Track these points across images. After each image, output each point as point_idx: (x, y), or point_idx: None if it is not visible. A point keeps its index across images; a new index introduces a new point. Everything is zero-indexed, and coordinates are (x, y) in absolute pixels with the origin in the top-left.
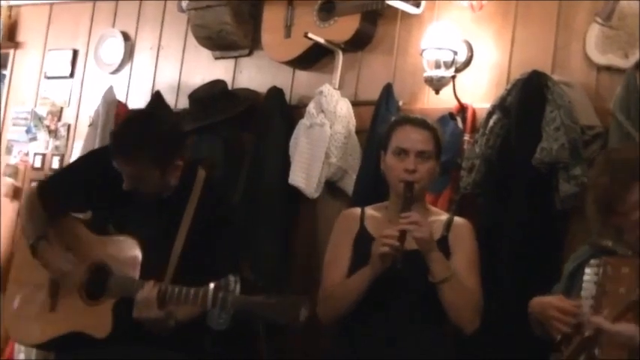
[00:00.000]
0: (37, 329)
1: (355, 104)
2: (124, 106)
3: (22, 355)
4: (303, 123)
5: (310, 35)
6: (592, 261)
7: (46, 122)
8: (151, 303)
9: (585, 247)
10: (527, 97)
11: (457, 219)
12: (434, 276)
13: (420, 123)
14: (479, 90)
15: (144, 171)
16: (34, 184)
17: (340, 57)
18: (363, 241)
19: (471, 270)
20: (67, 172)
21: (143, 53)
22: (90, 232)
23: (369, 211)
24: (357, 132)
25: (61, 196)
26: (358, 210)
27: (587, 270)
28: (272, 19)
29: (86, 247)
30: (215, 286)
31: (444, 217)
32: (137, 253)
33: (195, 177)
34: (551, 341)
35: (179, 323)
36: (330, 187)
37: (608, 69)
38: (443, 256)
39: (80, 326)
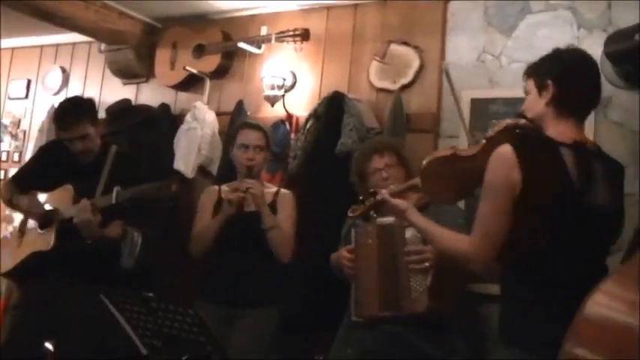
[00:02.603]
0: (9, 262)
1: (218, 114)
2: None
3: None
4: (183, 127)
5: (187, 68)
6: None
7: (9, 129)
8: (86, 207)
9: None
10: (332, 108)
11: (282, 190)
12: (264, 224)
13: (255, 126)
14: (300, 104)
15: (86, 128)
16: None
17: (208, 82)
18: (219, 204)
19: (289, 223)
20: (28, 164)
21: (75, 81)
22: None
23: (224, 187)
24: (220, 133)
25: (26, 179)
26: (217, 186)
27: (352, 231)
28: (162, 56)
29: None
30: (118, 188)
31: (274, 189)
32: (72, 190)
33: (109, 150)
34: (346, 280)
35: (107, 237)
36: (202, 170)
37: (383, 90)
38: (270, 212)
39: (35, 248)
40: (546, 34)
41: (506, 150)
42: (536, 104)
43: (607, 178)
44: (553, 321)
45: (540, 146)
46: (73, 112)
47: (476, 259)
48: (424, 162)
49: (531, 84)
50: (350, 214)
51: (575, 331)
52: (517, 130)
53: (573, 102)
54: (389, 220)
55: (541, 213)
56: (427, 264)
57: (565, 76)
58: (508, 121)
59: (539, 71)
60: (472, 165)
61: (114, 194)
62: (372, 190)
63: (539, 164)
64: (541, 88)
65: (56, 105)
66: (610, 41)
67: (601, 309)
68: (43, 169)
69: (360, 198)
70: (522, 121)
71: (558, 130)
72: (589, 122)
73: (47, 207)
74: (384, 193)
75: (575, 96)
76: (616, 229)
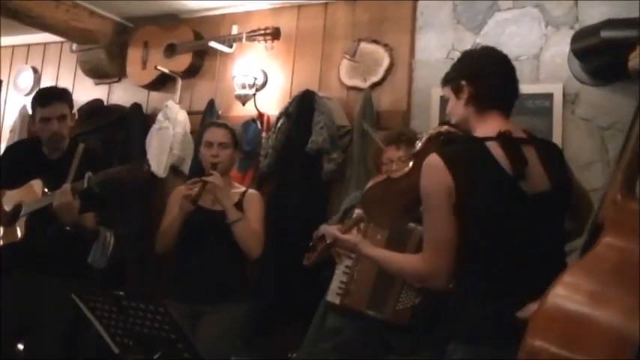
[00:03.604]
0: None
1: (190, 113)
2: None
3: None
4: (155, 127)
5: (159, 67)
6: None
7: None
8: (67, 191)
9: (357, 193)
10: (302, 107)
11: (250, 190)
12: (229, 218)
13: (221, 124)
14: (271, 103)
15: (65, 109)
16: None
17: (179, 82)
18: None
19: (256, 221)
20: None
21: (47, 81)
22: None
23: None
24: (191, 132)
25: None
26: (185, 186)
27: (358, 211)
28: (133, 56)
29: None
30: (89, 173)
31: (242, 189)
32: (41, 184)
33: (77, 147)
34: (330, 258)
35: (82, 226)
36: (174, 169)
37: (354, 88)
38: (233, 206)
39: (5, 240)
40: (514, 31)
41: (433, 158)
42: (457, 107)
43: (541, 160)
44: (503, 313)
45: (466, 146)
46: (55, 92)
47: (433, 275)
48: (362, 193)
49: (447, 90)
50: (305, 264)
51: (537, 323)
52: (441, 138)
53: (490, 96)
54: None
55: (481, 210)
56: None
57: (476, 72)
58: (431, 132)
59: (453, 76)
60: (407, 184)
61: (85, 179)
62: (320, 234)
63: (468, 164)
64: (457, 90)
65: (27, 106)
66: (577, 38)
67: (561, 301)
68: (10, 169)
69: (310, 244)
70: (444, 127)
71: (484, 127)
72: (557, 118)
73: (8, 204)
74: (334, 233)
75: (490, 89)
76: (565, 207)
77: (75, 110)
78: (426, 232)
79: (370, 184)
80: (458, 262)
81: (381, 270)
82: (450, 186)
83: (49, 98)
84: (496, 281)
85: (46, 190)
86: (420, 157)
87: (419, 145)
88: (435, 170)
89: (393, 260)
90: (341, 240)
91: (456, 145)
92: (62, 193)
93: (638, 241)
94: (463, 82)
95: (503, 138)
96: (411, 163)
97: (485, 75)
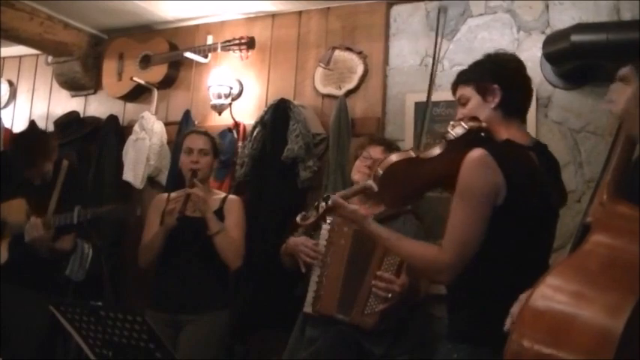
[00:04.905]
0: None
1: (166, 124)
2: (10, 131)
3: None
4: (131, 138)
5: (135, 78)
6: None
7: None
8: (38, 225)
9: None
10: (278, 115)
11: (230, 196)
12: (210, 230)
13: (201, 132)
14: (247, 112)
15: (47, 166)
16: None
17: (155, 93)
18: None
19: (236, 228)
20: None
21: (22, 94)
22: None
23: (173, 194)
24: (168, 143)
25: None
26: (165, 195)
27: (323, 224)
28: (109, 68)
29: None
30: (79, 208)
31: (222, 195)
32: (25, 204)
33: (61, 165)
34: (297, 269)
35: (58, 251)
36: (151, 180)
37: (328, 96)
38: (216, 217)
39: None
40: (486, 36)
41: (483, 155)
42: (483, 109)
43: (557, 177)
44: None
45: (512, 150)
46: (38, 151)
47: (449, 269)
48: (384, 165)
49: (470, 90)
50: (300, 222)
51: (522, 323)
52: (482, 134)
53: (519, 104)
54: None
55: (523, 217)
56: (390, 295)
57: (510, 79)
58: (471, 124)
59: (480, 76)
60: (430, 167)
61: (75, 214)
62: (325, 195)
63: (518, 168)
64: (486, 93)
65: (3, 119)
66: (548, 42)
67: (545, 301)
68: None
69: (315, 204)
70: (484, 124)
71: (510, 133)
72: (530, 122)
73: None
74: (336, 198)
75: (519, 98)
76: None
77: (49, 130)
78: (455, 225)
79: (394, 158)
80: (479, 264)
81: (347, 275)
82: (500, 185)
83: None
84: (509, 284)
85: (30, 210)
86: (455, 145)
87: (454, 132)
88: (486, 167)
89: (405, 242)
90: (348, 209)
91: (499, 145)
92: (32, 228)
93: (624, 240)
94: (495, 86)
95: (539, 150)
96: (440, 147)
97: (516, 83)
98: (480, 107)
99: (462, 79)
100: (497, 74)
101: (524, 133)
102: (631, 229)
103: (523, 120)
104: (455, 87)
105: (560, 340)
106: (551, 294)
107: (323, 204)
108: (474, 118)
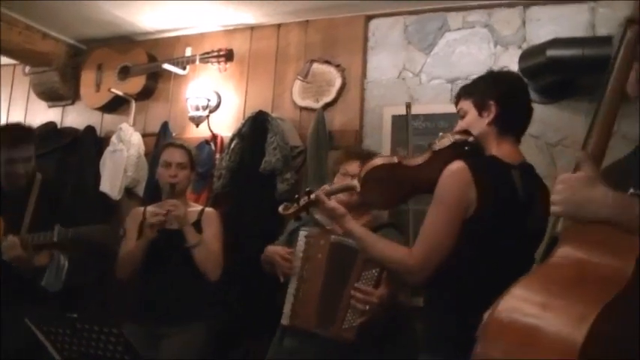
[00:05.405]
0: None
1: (144, 136)
2: None
3: None
4: (109, 149)
5: (113, 90)
6: (304, 228)
7: None
8: (15, 245)
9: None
10: (256, 128)
11: (207, 209)
12: (188, 242)
13: (179, 145)
14: (225, 124)
15: (27, 152)
16: None
17: (133, 104)
18: (143, 225)
19: (215, 240)
20: None
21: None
22: None
23: (150, 207)
24: (145, 154)
25: None
26: (142, 208)
27: (302, 232)
28: (87, 78)
29: None
30: (59, 227)
31: (199, 208)
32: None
33: (35, 178)
34: (276, 277)
35: (37, 267)
36: (128, 192)
37: (307, 109)
38: (194, 229)
39: None
40: (464, 51)
41: (462, 167)
42: (478, 124)
43: (542, 199)
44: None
45: (493, 166)
46: (24, 137)
47: (417, 272)
48: (368, 167)
49: (468, 104)
50: (281, 212)
51: (487, 334)
52: (466, 147)
53: (514, 122)
54: (343, 239)
55: (490, 232)
56: (368, 307)
57: (507, 97)
58: (457, 137)
59: (479, 92)
60: (415, 175)
61: (55, 232)
62: (307, 189)
63: (494, 184)
64: (482, 108)
65: None
66: (524, 57)
67: (511, 312)
68: None
69: (296, 196)
70: (471, 138)
71: (502, 150)
72: None
73: None
74: (319, 193)
75: (515, 116)
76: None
77: None
78: (427, 230)
79: (379, 161)
80: (442, 271)
81: (325, 289)
82: (472, 199)
83: (16, 144)
84: (478, 295)
85: (6, 225)
86: (439, 155)
87: (440, 143)
88: (462, 179)
89: (378, 243)
90: (328, 205)
91: (481, 160)
92: (9, 247)
93: (592, 253)
94: (491, 102)
95: (524, 170)
96: (424, 156)
97: (513, 101)
98: (475, 122)
99: (463, 92)
100: (495, 91)
101: (515, 150)
102: (598, 241)
103: (518, 138)
104: (457, 99)
105: (524, 352)
106: (517, 305)
107: (305, 197)
108: (465, 132)
